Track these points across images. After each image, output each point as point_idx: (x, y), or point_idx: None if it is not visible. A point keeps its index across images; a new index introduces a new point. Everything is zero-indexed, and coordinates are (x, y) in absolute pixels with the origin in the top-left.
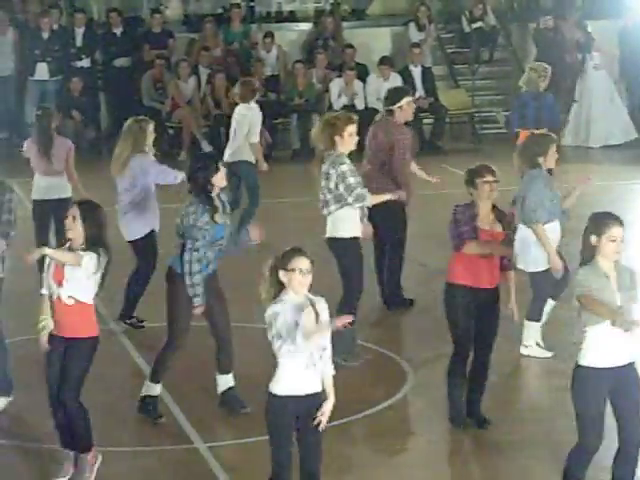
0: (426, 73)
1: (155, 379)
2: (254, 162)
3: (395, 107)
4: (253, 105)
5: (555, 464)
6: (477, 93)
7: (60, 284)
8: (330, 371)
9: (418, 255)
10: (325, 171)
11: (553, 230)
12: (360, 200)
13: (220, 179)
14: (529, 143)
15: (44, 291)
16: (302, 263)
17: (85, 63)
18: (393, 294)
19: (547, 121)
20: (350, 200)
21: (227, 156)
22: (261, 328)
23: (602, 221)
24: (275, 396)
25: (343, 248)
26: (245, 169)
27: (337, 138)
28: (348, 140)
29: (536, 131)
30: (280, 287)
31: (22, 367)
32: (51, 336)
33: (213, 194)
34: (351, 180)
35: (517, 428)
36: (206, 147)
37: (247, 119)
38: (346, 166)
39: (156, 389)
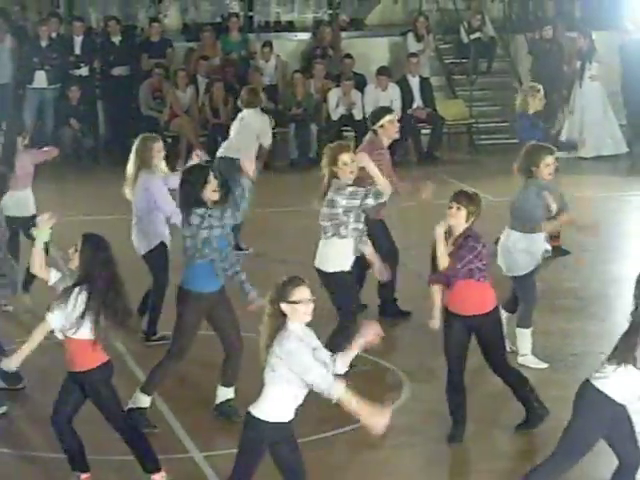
0: (424, 83)
1: (148, 391)
2: None
3: (376, 127)
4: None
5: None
6: (475, 104)
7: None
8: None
9: (415, 266)
10: (329, 198)
11: (538, 240)
12: (380, 196)
13: (210, 192)
14: (525, 153)
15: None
16: (305, 293)
17: (83, 72)
18: (387, 303)
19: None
20: (371, 200)
21: (223, 151)
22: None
23: None
24: (255, 418)
25: (328, 282)
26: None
27: (334, 168)
28: (343, 169)
29: None
30: (283, 319)
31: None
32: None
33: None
34: (361, 190)
35: (514, 439)
36: (203, 156)
37: (258, 124)
38: (351, 188)
39: (146, 401)
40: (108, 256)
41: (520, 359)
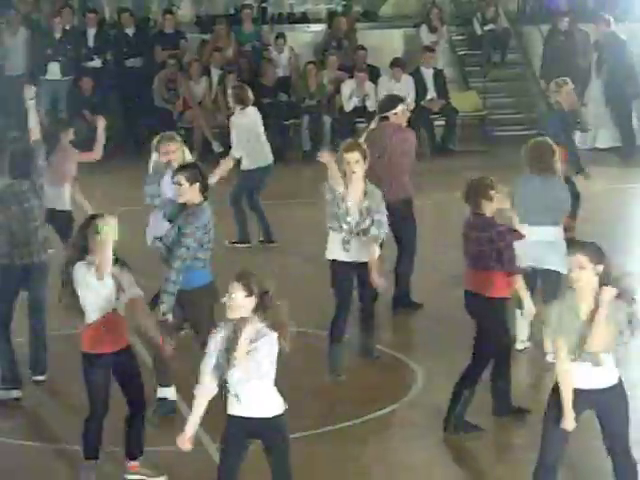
0: (438, 75)
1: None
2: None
3: (390, 113)
4: (249, 110)
5: (566, 467)
6: (488, 95)
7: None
8: None
9: (431, 259)
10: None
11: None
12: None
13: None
14: (535, 149)
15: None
16: (232, 288)
17: (97, 63)
18: (401, 295)
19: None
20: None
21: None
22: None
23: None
24: (228, 415)
25: (329, 268)
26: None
27: (341, 166)
28: (345, 167)
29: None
30: None
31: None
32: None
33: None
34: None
35: (524, 431)
36: (217, 148)
37: (243, 126)
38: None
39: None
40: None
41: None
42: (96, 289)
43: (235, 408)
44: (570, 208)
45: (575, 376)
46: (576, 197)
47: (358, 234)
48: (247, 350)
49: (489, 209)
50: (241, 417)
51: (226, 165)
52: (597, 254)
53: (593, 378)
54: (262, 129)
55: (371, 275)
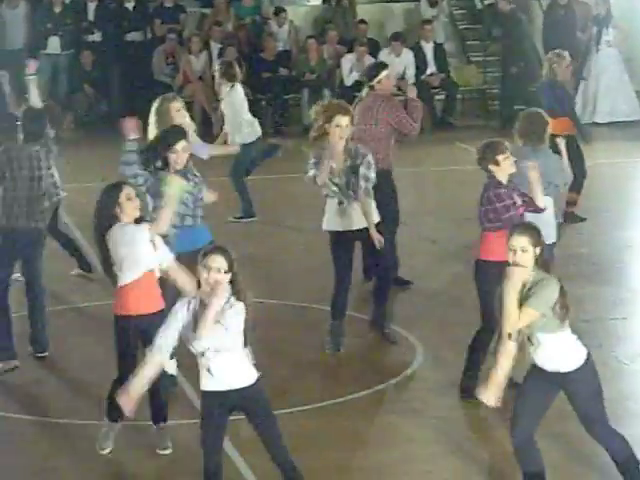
0: (438, 49)
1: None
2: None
3: (374, 82)
4: (238, 87)
5: (565, 440)
6: (489, 70)
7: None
8: None
9: (429, 232)
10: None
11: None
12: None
13: (176, 158)
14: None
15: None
16: (210, 260)
17: (97, 37)
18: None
19: (559, 111)
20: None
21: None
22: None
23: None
24: (202, 391)
25: (329, 240)
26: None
27: (327, 126)
28: (334, 131)
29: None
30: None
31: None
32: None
33: (170, 170)
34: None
35: None
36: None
37: (236, 104)
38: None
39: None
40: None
41: None
42: (145, 246)
43: (208, 383)
44: (561, 181)
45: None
46: (582, 174)
47: (351, 195)
48: (215, 320)
49: (499, 173)
50: (215, 392)
51: (227, 147)
52: (538, 237)
53: (549, 361)
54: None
55: (371, 233)
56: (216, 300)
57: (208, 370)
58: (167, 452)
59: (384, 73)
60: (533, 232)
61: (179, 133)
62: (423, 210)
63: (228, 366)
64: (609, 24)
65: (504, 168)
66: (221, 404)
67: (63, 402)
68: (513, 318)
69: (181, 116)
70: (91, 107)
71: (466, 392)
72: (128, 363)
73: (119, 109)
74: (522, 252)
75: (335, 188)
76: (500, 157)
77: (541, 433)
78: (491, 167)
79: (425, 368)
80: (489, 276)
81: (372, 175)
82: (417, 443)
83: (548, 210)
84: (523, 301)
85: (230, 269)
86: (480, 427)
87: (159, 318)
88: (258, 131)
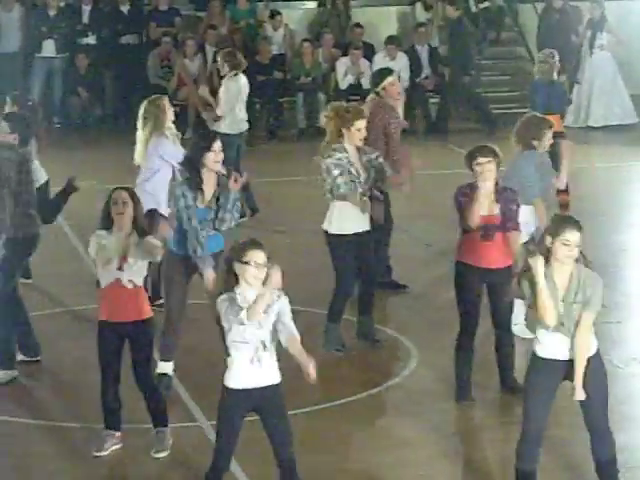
0: (433, 53)
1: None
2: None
3: (379, 89)
4: (241, 76)
5: (559, 440)
6: (483, 73)
7: (121, 268)
8: (295, 334)
9: (422, 235)
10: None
11: (531, 213)
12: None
13: (212, 162)
14: (528, 124)
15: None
16: (257, 256)
17: (91, 40)
18: (382, 276)
19: (556, 108)
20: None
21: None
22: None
23: (559, 224)
24: (228, 389)
25: (329, 244)
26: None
27: (345, 130)
28: (355, 134)
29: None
30: (235, 279)
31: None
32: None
33: (208, 171)
34: (335, 173)
35: (519, 406)
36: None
37: (233, 91)
38: (331, 160)
39: (168, 367)
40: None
41: (514, 329)
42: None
43: (240, 380)
44: (537, 186)
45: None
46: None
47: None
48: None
49: (475, 175)
50: (240, 390)
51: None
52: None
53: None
54: (245, 98)
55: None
56: (269, 293)
57: (258, 360)
58: (160, 455)
59: (389, 79)
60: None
61: (211, 134)
62: (417, 213)
63: (273, 360)
64: (603, 28)
65: (479, 172)
66: (243, 404)
67: (58, 405)
68: (552, 311)
69: (171, 116)
70: (85, 110)
71: (460, 397)
72: (104, 371)
73: (113, 112)
74: (576, 247)
75: (361, 189)
76: (474, 162)
77: (513, 446)
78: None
79: (419, 371)
80: (459, 278)
81: (378, 161)
82: (411, 446)
83: (530, 220)
84: (576, 299)
85: (266, 263)
86: (474, 430)
87: (139, 328)
88: (242, 127)
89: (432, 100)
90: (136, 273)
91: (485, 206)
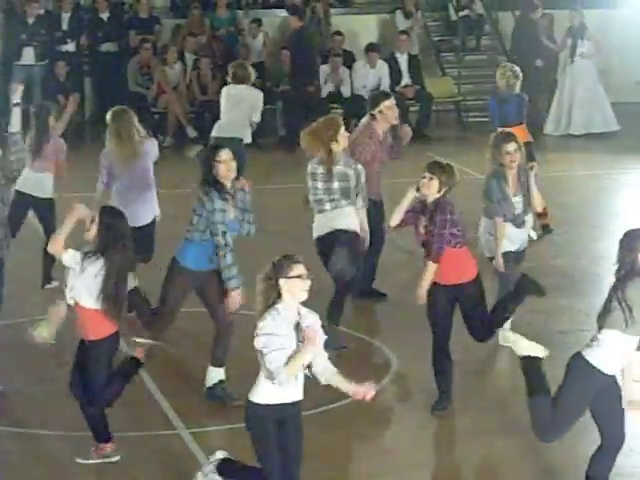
0: (412, 61)
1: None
2: (244, 140)
3: (375, 112)
4: (240, 86)
5: (537, 451)
6: (463, 81)
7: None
8: (332, 370)
9: (405, 244)
10: (343, 172)
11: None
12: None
13: (225, 171)
14: (491, 142)
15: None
16: (302, 269)
17: (70, 47)
18: (364, 284)
19: (513, 118)
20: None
21: (217, 130)
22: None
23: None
24: (256, 405)
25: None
26: (236, 145)
27: (334, 145)
28: (342, 141)
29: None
30: (277, 295)
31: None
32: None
33: (224, 187)
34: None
35: (499, 414)
36: (191, 133)
37: (252, 100)
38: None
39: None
40: (125, 228)
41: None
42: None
43: (273, 395)
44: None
45: None
46: None
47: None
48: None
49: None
50: (274, 405)
51: None
52: None
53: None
54: (245, 110)
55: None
56: (308, 353)
57: (295, 377)
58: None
59: (386, 103)
60: None
61: (217, 145)
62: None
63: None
64: (583, 36)
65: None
66: (273, 419)
67: (41, 414)
68: None
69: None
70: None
71: (436, 408)
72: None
73: (93, 120)
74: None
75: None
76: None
77: (511, 447)
78: None
79: (399, 379)
80: (431, 299)
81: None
82: (391, 454)
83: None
84: None
85: None
86: (454, 438)
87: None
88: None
89: (412, 108)
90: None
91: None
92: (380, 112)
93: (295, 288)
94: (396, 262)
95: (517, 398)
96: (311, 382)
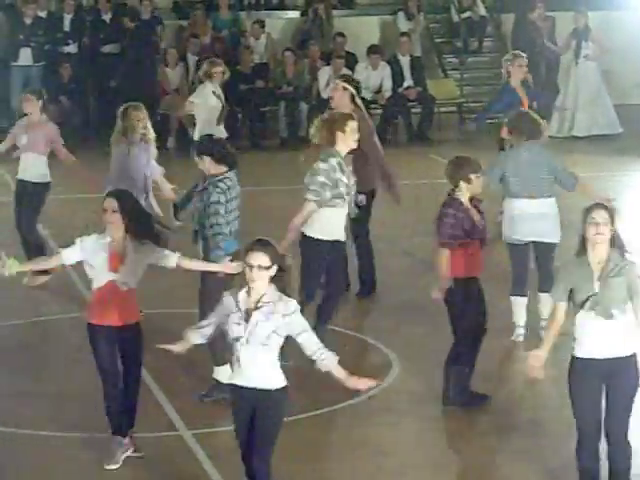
0: (415, 62)
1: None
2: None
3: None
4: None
5: (538, 453)
6: (465, 83)
7: (115, 270)
8: (330, 358)
9: (404, 245)
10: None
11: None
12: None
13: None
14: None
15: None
16: (254, 259)
17: (72, 49)
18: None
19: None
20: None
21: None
22: None
23: (587, 208)
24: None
25: (306, 247)
26: None
27: (339, 133)
28: (350, 136)
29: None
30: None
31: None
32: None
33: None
34: (319, 180)
35: (501, 416)
36: (193, 134)
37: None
38: (325, 164)
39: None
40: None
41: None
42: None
43: (234, 377)
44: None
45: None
46: None
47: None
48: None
49: (465, 191)
50: (241, 387)
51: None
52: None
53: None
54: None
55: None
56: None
57: (237, 360)
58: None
59: (332, 85)
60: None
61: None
62: (399, 223)
63: (257, 361)
64: (588, 37)
65: (474, 187)
66: (245, 402)
67: (41, 414)
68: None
69: (141, 127)
70: (66, 119)
71: (448, 400)
72: (105, 377)
73: (95, 121)
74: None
75: (347, 197)
76: (472, 175)
77: (509, 449)
78: (462, 184)
79: (399, 380)
80: (456, 294)
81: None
82: (391, 456)
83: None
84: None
85: (272, 264)
86: (454, 439)
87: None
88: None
89: (414, 110)
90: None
91: None
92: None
93: (246, 276)
94: (396, 264)
95: (517, 399)
96: (313, 383)
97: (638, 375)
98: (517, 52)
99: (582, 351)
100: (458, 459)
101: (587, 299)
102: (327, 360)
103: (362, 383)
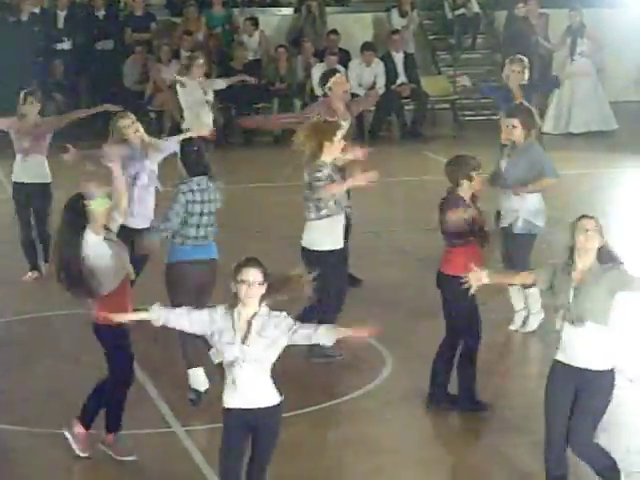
0: (408, 59)
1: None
2: None
3: (326, 89)
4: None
5: (532, 450)
6: (458, 79)
7: None
8: (327, 327)
9: (399, 242)
10: (308, 181)
11: None
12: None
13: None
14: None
15: None
16: (249, 275)
17: (66, 45)
18: None
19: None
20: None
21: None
22: None
23: (577, 218)
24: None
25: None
26: None
27: (327, 143)
28: (337, 145)
29: None
30: (235, 297)
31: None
32: None
33: None
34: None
35: (496, 414)
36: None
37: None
38: (322, 174)
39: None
40: None
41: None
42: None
43: (232, 400)
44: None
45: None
46: None
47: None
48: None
49: (466, 189)
50: (239, 409)
51: None
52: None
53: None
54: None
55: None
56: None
57: (233, 382)
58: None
59: (333, 79)
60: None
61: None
62: (393, 220)
63: (256, 380)
64: (583, 34)
65: (476, 184)
66: (244, 424)
67: (30, 410)
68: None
69: (132, 131)
70: (60, 113)
71: (433, 401)
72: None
73: (89, 118)
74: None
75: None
76: (474, 173)
77: (504, 447)
78: (464, 182)
79: (394, 378)
80: (457, 292)
81: None
82: (387, 453)
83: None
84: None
85: (264, 281)
86: (447, 438)
87: None
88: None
89: (407, 107)
90: None
91: None
92: (330, 89)
93: (241, 293)
94: (389, 260)
95: (517, 398)
96: (308, 380)
97: (609, 393)
98: (515, 57)
99: (560, 355)
100: (453, 457)
101: (561, 306)
102: (326, 330)
103: (365, 331)
